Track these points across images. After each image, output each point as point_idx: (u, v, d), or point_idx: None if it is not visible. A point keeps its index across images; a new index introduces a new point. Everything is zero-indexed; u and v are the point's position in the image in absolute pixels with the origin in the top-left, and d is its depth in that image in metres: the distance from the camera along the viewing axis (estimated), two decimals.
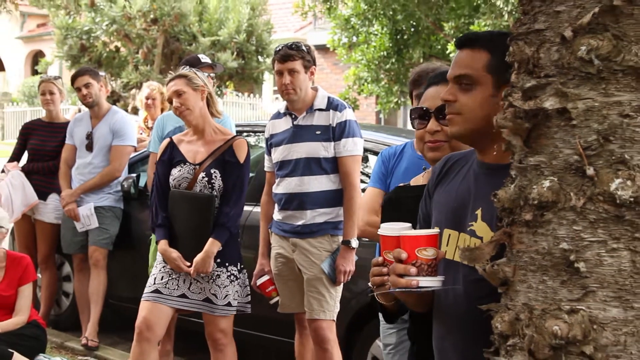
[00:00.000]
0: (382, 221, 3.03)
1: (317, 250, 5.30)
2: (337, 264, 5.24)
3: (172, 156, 5.31)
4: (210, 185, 5.19)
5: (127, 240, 7.23)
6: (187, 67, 5.60)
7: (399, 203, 3.05)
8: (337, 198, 5.30)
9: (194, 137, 5.35)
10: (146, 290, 5.30)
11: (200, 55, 6.59)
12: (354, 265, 5.26)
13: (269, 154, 5.50)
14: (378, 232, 2.54)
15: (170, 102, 5.34)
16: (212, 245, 5.14)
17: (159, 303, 5.21)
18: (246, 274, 5.37)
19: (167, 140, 5.43)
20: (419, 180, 3.20)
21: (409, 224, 2.51)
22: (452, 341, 2.45)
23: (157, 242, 5.32)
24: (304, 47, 5.35)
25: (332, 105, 5.33)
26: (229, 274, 5.22)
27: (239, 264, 5.30)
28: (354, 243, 5.22)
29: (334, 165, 5.30)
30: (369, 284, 2.63)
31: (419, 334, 2.98)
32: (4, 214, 6.53)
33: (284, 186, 5.37)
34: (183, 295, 5.21)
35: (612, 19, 1.86)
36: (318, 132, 5.29)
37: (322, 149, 5.27)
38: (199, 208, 5.20)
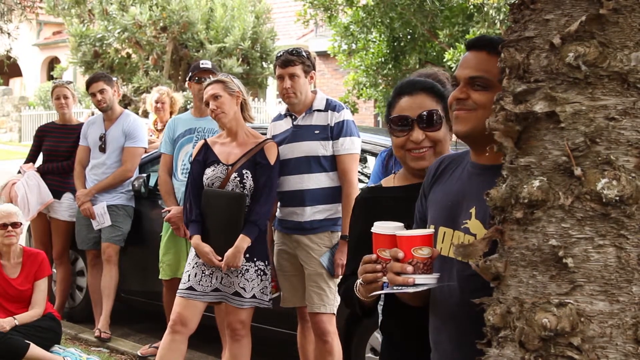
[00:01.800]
0: (359, 218, 3.03)
1: (318, 246, 5.30)
2: (336, 258, 5.25)
3: (206, 157, 5.34)
4: (242, 185, 5.21)
5: (138, 237, 7.24)
6: (227, 74, 5.59)
7: (375, 202, 3.04)
8: (336, 195, 5.31)
9: (228, 139, 5.39)
10: (181, 286, 5.32)
11: (202, 61, 6.60)
12: None
13: None
14: (371, 230, 2.53)
15: (207, 105, 5.36)
16: (243, 241, 5.16)
17: (193, 299, 5.23)
18: (270, 270, 5.38)
19: (202, 141, 5.46)
20: (390, 181, 3.16)
21: (402, 224, 2.52)
22: (447, 333, 2.45)
23: (190, 237, 5.35)
24: (304, 53, 5.36)
25: (330, 106, 5.34)
26: (256, 268, 5.24)
27: (266, 260, 5.32)
28: None
29: (333, 163, 5.30)
30: (359, 281, 2.63)
31: (393, 327, 2.99)
32: (20, 211, 6.54)
33: (285, 184, 5.37)
34: (216, 290, 5.24)
35: (598, 27, 1.86)
36: (317, 132, 5.30)
37: (320, 148, 5.27)
38: (231, 206, 5.22)
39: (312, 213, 5.31)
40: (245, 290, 5.21)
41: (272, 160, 5.27)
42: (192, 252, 5.34)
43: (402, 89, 3.05)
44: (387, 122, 3.06)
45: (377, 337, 5.50)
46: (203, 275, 5.25)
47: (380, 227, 2.52)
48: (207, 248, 5.20)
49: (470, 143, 2.50)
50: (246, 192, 5.23)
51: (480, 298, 2.05)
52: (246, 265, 5.22)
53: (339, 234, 5.30)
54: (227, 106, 5.31)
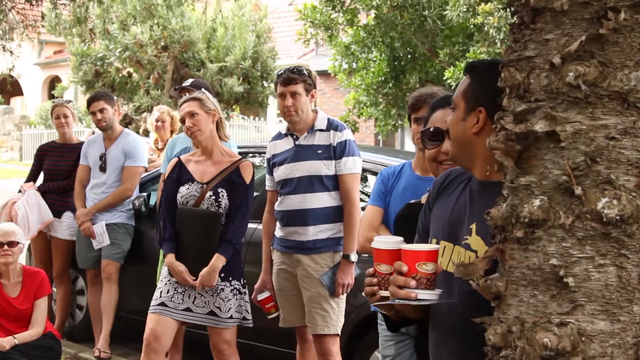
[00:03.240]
0: (397, 235, 3.03)
1: (320, 266, 5.28)
2: (337, 277, 5.22)
3: (180, 174, 5.32)
4: (217, 204, 5.19)
5: (138, 255, 7.24)
6: (202, 90, 5.60)
7: (410, 218, 3.04)
8: (339, 214, 5.29)
9: (202, 157, 5.37)
10: (153, 302, 5.29)
11: (186, 82, 6.69)
12: (353, 279, 5.24)
13: (270, 173, 5.49)
14: (371, 245, 2.55)
15: (183, 122, 5.36)
16: (218, 260, 5.15)
17: (165, 315, 5.20)
18: (247, 288, 5.36)
19: (175, 159, 5.44)
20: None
21: (401, 238, 2.52)
22: (447, 348, 2.45)
23: (164, 256, 5.32)
24: (305, 71, 5.35)
25: (332, 126, 5.33)
26: (232, 287, 5.22)
27: (242, 278, 5.30)
28: (353, 257, 5.21)
29: (335, 183, 5.29)
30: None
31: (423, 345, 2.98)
32: (20, 230, 6.53)
33: (287, 204, 5.35)
34: (188, 309, 5.21)
35: (598, 46, 1.87)
36: (319, 152, 5.28)
37: (323, 167, 5.26)
38: (206, 224, 5.21)
39: (315, 232, 5.29)
40: (221, 310, 5.18)
41: (247, 179, 5.27)
42: (164, 270, 5.32)
43: (436, 104, 3.18)
44: (421, 137, 3.13)
45: (377, 356, 5.48)
46: (175, 292, 5.22)
47: (378, 242, 2.53)
48: (181, 267, 5.17)
49: (458, 165, 2.58)
50: (221, 210, 5.21)
51: (481, 316, 2.05)
52: (221, 285, 5.20)
53: (341, 253, 5.28)
54: (203, 124, 5.29)
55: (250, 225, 5.57)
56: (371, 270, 2.56)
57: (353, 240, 5.18)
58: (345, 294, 5.31)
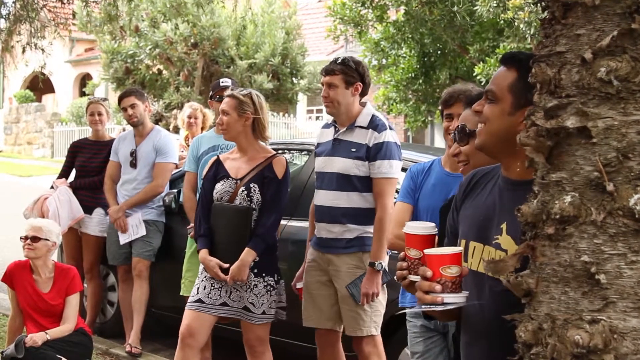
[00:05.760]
0: (442, 225, 3.03)
1: (348, 267, 5.19)
2: (362, 286, 5.10)
3: (217, 172, 5.37)
4: (249, 199, 5.22)
5: (168, 252, 7.27)
6: (249, 90, 5.55)
7: None
8: (370, 216, 5.15)
9: (238, 154, 5.41)
10: (190, 299, 5.32)
11: (221, 80, 6.64)
12: (379, 288, 5.10)
13: None
14: (403, 230, 2.56)
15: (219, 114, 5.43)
16: (248, 255, 5.16)
17: (202, 312, 5.23)
18: (283, 284, 5.35)
19: (214, 157, 5.49)
20: None
21: (433, 224, 2.55)
22: (479, 348, 2.44)
23: (198, 251, 5.35)
24: (351, 64, 5.20)
25: (372, 125, 5.19)
26: (265, 284, 5.23)
27: (275, 274, 5.30)
28: (379, 266, 5.05)
29: (368, 184, 5.17)
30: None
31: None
32: (55, 227, 6.57)
33: (318, 199, 5.31)
34: (224, 304, 5.23)
35: (630, 41, 1.86)
36: (353, 150, 5.17)
37: (354, 167, 5.15)
38: (237, 219, 5.23)
39: (342, 232, 5.20)
40: (254, 306, 5.20)
41: (279, 174, 5.27)
42: (201, 266, 5.34)
43: (469, 100, 3.16)
44: (454, 132, 3.17)
45: (407, 353, 5.47)
46: (212, 288, 5.24)
47: (410, 227, 2.55)
48: (213, 262, 5.20)
49: (489, 156, 2.55)
50: (254, 205, 5.23)
51: (512, 314, 2.04)
52: (254, 281, 5.21)
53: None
54: (232, 125, 5.33)
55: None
56: (402, 254, 2.58)
57: (381, 247, 5.05)
58: (384, 293, 5.21)
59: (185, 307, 5.32)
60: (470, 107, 3.11)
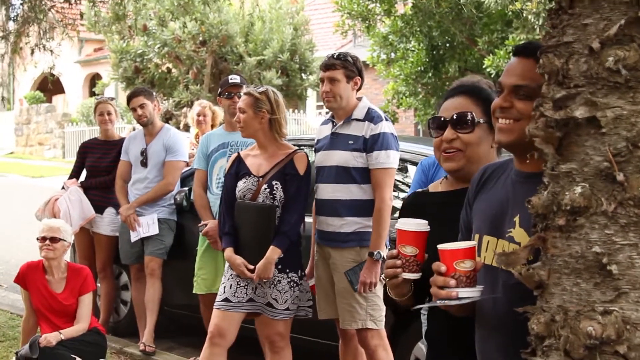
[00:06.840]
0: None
1: (345, 260, 5.24)
2: (361, 275, 5.14)
3: (238, 169, 5.38)
4: (272, 196, 5.23)
5: (180, 250, 7.28)
6: (265, 87, 5.55)
7: (420, 207, 2.99)
8: (368, 208, 5.20)
9: (259, 151, 5.42)
10: (217, 298, 5.34)
11: (230, 77, 6.63)
12: (377, 277, 5.13)
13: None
14: (395, 227, 2.55)
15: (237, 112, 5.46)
16: (273, 252, 5.17)
17: (230, 311, 5.25)
18: (305, 279, 5.38)
19: (235, 154, 5.51)
20: (437, 187, 3.14)
21: (425, 221, 2.55)
22: (493, 342, 2.44)
23: (223, 250, 5.37)
24: (349, 58, 5.30)
25: (369, 117, 5.25)
26: (289, 279, 5.24)
27: (299, 270, 5.32)
28: (378, 255, 5.09)
29: (367, 176, 5.22)
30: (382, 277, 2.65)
31: (436, 334, 2.99)
32: (68, 227, 6.60)
33: (319, 192, 5.36)
34: (251, 300, 5.25)
35: (637, 29, 1.84)
36: (351, 142, 5.23)
37: (352, 159, 5.21)
38: (261, 217, 5.24)
39: (340, 225, 5.25)
40: (277, 302, 5.21)
41: (301, 170, 5.28)
42: (227, 264, 5.36)
43: (448, 93, 3.10)
44: (428, 126, 3.09)
45: (421, 347, 5.47)
46: (238, 286, 5.26)
47: (403, 224, 2.54)
48: (239, 260, 5.22)
49: (514, 152, 2.48)
50: (276, 203, 5.24)
51: (524, 307, 2.03)
52: (278, 277, 5.22)
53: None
54: (249, 123, 5.36)
55: None
56: (394, 252, 2.56)
57: (380, 237, 5.11)
58: (380, 287, 5.24)
59: (214, 307, 5.34)
60: (452, 97, 3.05)
